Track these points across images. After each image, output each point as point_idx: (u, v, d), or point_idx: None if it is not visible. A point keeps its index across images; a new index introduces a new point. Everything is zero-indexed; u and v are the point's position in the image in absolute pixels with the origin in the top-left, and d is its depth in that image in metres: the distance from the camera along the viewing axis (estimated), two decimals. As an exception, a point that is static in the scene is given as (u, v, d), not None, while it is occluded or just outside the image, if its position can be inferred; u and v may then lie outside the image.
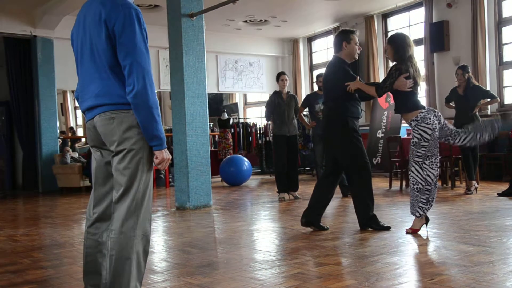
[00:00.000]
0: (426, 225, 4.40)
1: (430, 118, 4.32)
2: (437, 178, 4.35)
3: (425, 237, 4.22)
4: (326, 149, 5.06)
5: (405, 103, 4.43)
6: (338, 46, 4.82)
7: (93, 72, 2.40)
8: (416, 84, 4.41)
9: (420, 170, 4.32)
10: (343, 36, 4.81)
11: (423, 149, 4.31)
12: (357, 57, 4.93)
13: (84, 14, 2.46)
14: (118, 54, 2.33)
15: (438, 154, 4.36)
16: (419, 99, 4.53)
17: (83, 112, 2.52)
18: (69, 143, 12.59)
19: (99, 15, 2.34)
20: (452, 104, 7.56)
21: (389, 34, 11.34)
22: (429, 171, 4.31)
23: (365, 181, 4.69)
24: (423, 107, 4.42)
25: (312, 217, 4.75)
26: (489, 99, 7.39)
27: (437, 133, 4.34)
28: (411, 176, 4.39)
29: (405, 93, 4.40)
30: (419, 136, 4.33)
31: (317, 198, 4.80)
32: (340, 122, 4.70)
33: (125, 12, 2.32)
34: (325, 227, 4.76)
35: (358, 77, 4.73)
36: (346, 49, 4.78)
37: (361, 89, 4.62)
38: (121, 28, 2.30)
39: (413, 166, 4.36)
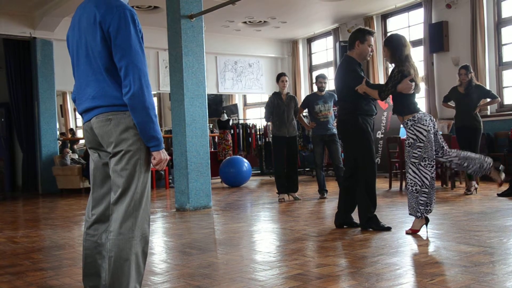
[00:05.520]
0: (426, 225, 4.40)
1: (426, 120, 4.36)
2: (434, 180, 4.34)
3: (425, 238, 4.22)
4: (344, 149, 5.05)
5: (406, 105, 4.42)
6: (351, 44, 4.80)
7: (89, 74, 2.40)
8: (416, 86, 4.43)
9: (416, 171, 4.32)
10: (358, 35, 4.77)
11: (418, 149, 4.32)
12: (368, 59, 4.92)
13: (79, 17, 2.46)
14: (113, 56, 2.33)
15: (434, 157, 4.36)
16: (417, 100, 4.55)
17: (80, 114, 2.53)
18: (69, 145, 12.58)
19: (94, 17, 2.34)
20: (451, 103, 7.56)
21: (389, 35, 11.36)
22: (425, 172, 4.31)
23: (369, 182, 4.69)
24: (419, 110, 4.45)
25: (344, 218, 4.86)
26: (490, 99, 7.39)
27: (432, 135, 4.35)
28: (408, 177, 4.39)
29: (405, 95, 4.40)
30: (414, 137, 4.33)
31: (344, 200, 4.87)
32: (350, 121, 4.71)
33: (120, 13, 2.32)
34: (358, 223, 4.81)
35: (365, 78, 4.70)
36: (358, 49, 4.75)
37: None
38: (116, 30, 2.30)
39: (410, 168, 4.37)
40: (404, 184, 7.90)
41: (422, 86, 4.63)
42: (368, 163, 4.68)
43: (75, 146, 13.20)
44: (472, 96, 7.14)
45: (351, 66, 4.75)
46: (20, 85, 10.94)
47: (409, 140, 4.37)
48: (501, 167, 4.42)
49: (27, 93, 10.97)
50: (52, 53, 10.80)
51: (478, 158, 4.41)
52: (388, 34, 5.04)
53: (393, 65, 4.52)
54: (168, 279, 3.28)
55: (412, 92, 4.40)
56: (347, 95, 4.75)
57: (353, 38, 4.78)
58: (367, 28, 4.95)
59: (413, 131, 4.34)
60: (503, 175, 4.44)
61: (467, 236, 4.14)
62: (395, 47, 4.44)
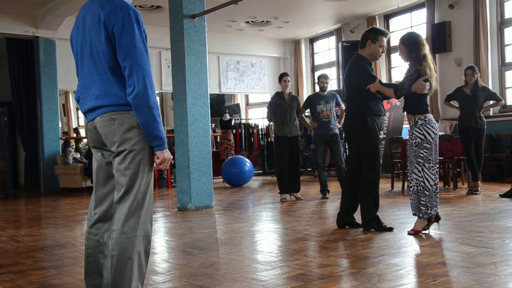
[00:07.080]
0: (438, 223, 4.42)
1: (435, 123, 4.35)
2: (437, 185, 4.34)
3: (427, 238, 4.21)
4: (348, 148, 5.00)
5: (419, 104, 4.39)
6: (362, 42, 4.77)
7: (93, 74, 2.41)
8: (430, 86, 4.39)
9: (422, 172, 4.32)
10: (370, 34, 4.75)
11: (425, 150, 4.31)
12: (378, 59, 4.87)
13: (83, 16, 2.46)
14: (117, 56, 2.33)
15: (437, 161, 4.36)
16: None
17: (84, 113, 2.53)
18: (73, 144, 12.58)
19: (98, 17, 2.35)
20: (454, 103, 7.56)
21: (391, 35, 11.34)
22: (427, 175, 4.30)
23: (373, 182, 4.67)
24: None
25: (346, 218, 4.86)
26: (495, 101, 7.39)
27: (437, 140, 4.35)
28: (413, 177, 4.37)
29: (419, 95, 4.38)
30: (422, 137, 4.32)
31: (346, 200, 4.85)
32: (359, 120, 4.68)
33: (124, 13, 2.32)
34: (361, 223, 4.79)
35: (378, 78, 4.66)
36: (369, 49, 4.73)
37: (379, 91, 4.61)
38: (120, 30, 2.31)
39: (416, 167, 4.35)
40: (406, 184, 7.90)
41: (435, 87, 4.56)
42: (374, 164, 4.67)
43: (80, 145, 13.21)
44: (479, 97, 7.14)
45: (362, 65, 4.72)
46: (23, 84, 10.95)
47: (416, 139, 4.36)
48: (431, 226, 4.40)
49: (30, 92, 10.98)
50: (55, 52, 10.82)
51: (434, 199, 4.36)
52: (399, 34, 5.02)
53: (408, 63, 4.46)
54: (170, 278, 3.29)
55: (426, 92, 4.37)
56: (357, 94, 4.71)
57: (365, 37, 4.75)
58: (381, 28, 4.87)
59: (422, 131, 4.33)
60: (423, 228, 4.36)
61: (469, 237, 4.14)
62: (413, 46, 4.38)
